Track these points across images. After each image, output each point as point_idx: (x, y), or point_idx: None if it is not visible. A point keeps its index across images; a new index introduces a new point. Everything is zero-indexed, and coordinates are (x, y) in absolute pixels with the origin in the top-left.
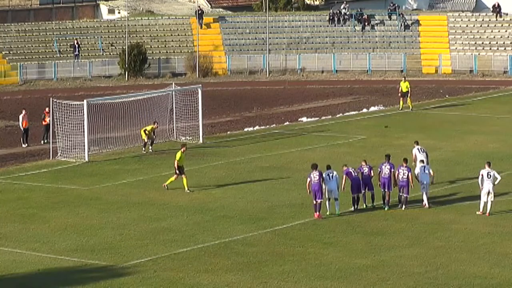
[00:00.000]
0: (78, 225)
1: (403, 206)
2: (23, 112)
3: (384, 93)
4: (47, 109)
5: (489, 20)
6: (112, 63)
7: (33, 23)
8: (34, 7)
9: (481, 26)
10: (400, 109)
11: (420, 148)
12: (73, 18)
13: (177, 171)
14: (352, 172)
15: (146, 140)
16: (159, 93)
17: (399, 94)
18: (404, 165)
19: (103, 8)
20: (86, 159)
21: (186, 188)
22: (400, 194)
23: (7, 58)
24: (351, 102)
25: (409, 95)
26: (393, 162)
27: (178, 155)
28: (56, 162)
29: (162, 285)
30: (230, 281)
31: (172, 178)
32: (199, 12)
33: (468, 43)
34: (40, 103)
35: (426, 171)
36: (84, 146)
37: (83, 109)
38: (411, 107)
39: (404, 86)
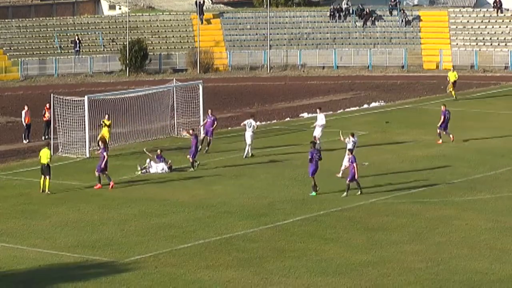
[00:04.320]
0: (79, 221)
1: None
2: (26, 108)
3: (385, 88)
4: (47, 105)
5: (490, 15)
6: (113, 59)
7: (33, 19)
8: (35, 3)
9: (482, 21)
10: (454, 98)
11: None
12: (74, 14)
13: (46, 172)
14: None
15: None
16: (160, 89)
17: (448, 85)
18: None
19: (104, 4)
20: (87, 155)
21: (47, 190)
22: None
23: (8, 54)
24: (352, 97)
25: (455, 84)
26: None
27: (47, 153)
28: (57, 158)
29: (163, 281)
30: (231, 277)
31: (47, 181)
32: (200, 3)
33: (469, 38)
34: (41, 99)
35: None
36: (85, 142)
37: (84, 105)
38: (455, 96)
39: (452, 75)
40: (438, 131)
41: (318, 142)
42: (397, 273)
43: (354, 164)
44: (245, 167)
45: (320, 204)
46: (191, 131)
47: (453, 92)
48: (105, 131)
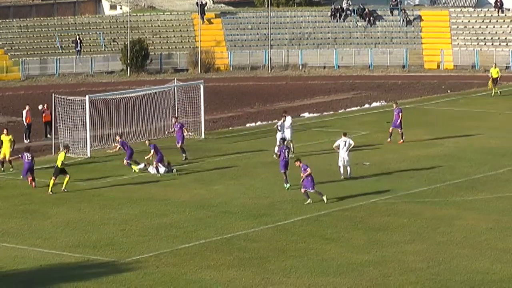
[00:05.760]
0: (80, 221)
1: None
2: (27, 107)
3: (386, 88)
4: (46, 105)
5: (491, 15)
6: (114, 59)
7: (35, 18)
8: (36, 3)
9: (483, 21)
10: (492, 95)
11: (345, 141)
12: (75, 13)
13: (56, 173)
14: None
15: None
16: (161, 89)
17: (489, 81)
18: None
19: (105, 4)
20: (88, 155)
21: (64, 187)
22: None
23: (9, 53)
24: (353, 97)
25: (497, 81)
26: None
27: (62, 156)
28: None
29: (164, 280)
30: (232, 277)
31: (52, 182)
32: (201, 3)
33: (470, 38)
34: (42, 99)
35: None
36: (86, 142)
37: (85, 105)
38: (494, 92)
39: (494, 72)
40: (390, 130)
41: (291, 145)
42: (398, 273)
43: (307, 173)
44: (246, 167)
45: (320, 204)
46: (147, 141)
47: (493, 89)
48: (6, 148)
